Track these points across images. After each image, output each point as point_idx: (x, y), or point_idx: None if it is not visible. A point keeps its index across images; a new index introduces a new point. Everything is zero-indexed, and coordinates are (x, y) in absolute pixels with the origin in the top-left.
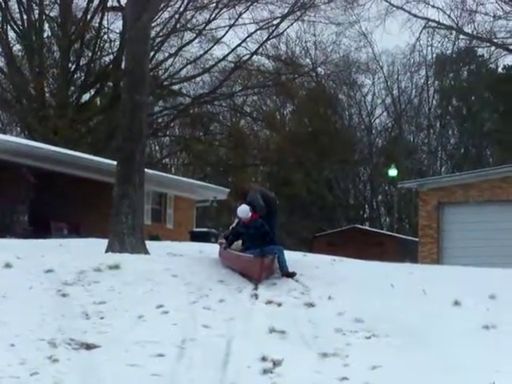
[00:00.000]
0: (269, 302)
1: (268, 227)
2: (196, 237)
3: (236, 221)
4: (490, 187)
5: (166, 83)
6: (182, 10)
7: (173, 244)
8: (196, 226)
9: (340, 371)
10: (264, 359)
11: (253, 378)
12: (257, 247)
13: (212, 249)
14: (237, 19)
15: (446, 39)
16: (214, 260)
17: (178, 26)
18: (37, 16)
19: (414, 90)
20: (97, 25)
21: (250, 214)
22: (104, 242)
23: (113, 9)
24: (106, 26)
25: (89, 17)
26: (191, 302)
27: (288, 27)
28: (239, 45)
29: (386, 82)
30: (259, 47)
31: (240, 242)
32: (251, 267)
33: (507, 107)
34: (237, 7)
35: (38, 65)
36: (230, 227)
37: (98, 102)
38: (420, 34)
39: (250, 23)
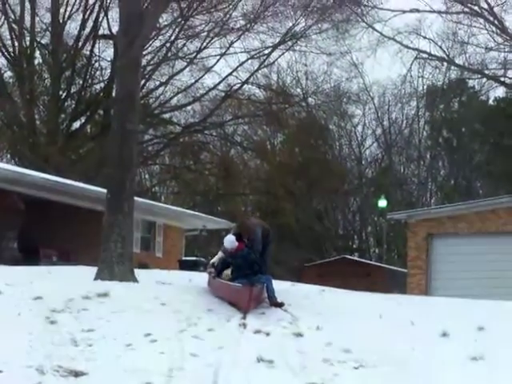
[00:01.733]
0: (257, 332)
1: (254, 256)
2: (185, 265)
3: (221, 250)
4: (479, 219)
5: (156, 112)
6: (173, 38)
7: (162, 272)
8: (185, 254)
9: None
10: None
11: None
12: (245, 277)
13: (201, 278)
14: (228, 48)
15: (437, 70)
16: (202, 289)
17: (169, 54)
18: (28, 43)
19: (404, 121)
20: (88, 52)
21: (236, 243)
22: (93, 270)
23: (104, 37)
24: (97, 53)
25: (80, 44)
26: (180, 330)
27: (279, 57)
28: (230, 74)
29: (376, 112)
30: (250, 76)
31: (229, 271)
32: (240, 297)
33: (498, 139)
34: (228, 36)
35: (29, 92)
36: (217, 256)
37: (89, 130)
38: (411, 65)
39: (241, 52)
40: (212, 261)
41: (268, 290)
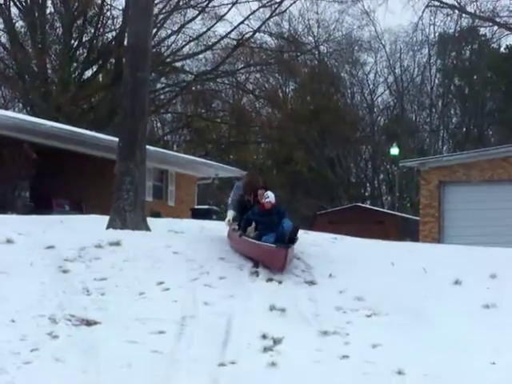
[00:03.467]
0: (269, 280)
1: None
2: (197, 214)
3: (233, 194)
4: (491, 167)
5: (168, 60)
6: None
7: (174, 221)
8: (197, 203)
9: (340, 349)
10: (264, 337)
11: (253, 356)
12: (270, 233)
13: (213, 226)
14: None
15: (449, 18)
16: (215, 237)
17: (181, 3)
18: None
19: (416, 69)
20: (99, 1)
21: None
22: (105, 219)
23: None
24: (109, 2)
25: None
26: (192, 279)
27: (291, 5)
28: (242, 22)
29: (388, 60)
30: (262, 25)
31: (253, 226)
32: (274, 258)
33: (509, 87)
34: None
35: (41, 41)
36: (229, 199)
37: (101, 79)
38: (422, 12)
39: (253, 0)
40: (228, 217)
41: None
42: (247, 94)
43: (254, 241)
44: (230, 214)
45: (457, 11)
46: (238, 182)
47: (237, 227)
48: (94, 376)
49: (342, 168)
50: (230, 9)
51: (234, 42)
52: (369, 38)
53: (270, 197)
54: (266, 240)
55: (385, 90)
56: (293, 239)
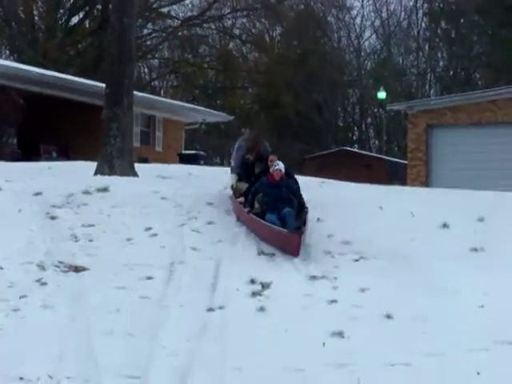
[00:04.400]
0: None
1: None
2: (185, 159)
3: (235, 155)
4: (478, 110)
5: (154, 6)
6: None
7: (162, 166)
8: (185, 148)
9: (329, 294)
10: (253, 282)
11: (241, 301)
12: (274, 209)
13: (201, 171)
14: None
15: None
16: (202, 181)
17: None
18: None
19: (402, 13)
20: None
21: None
22: (93, 165)
23: None
24: None
25: None
26: (180, 224)
27: None
28: None
29: (374, 4)
30: None
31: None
32: (287, 243)
33: (496, 30)
34: None
35: None
36: (232, 162)
37: (87, 25)
38: None
39: None
40: (232, 182)
41: (288, 224)
42: (234, 39)
43: (264, 223)
44: (234, 178)
45: None
46: (239, 143)
47: (243, 199)
48: (83, 322)
49: (330, 112)
50: None
51: None
52: None
53: (279, 165)
54: (269, 219)
55: (371, 34)
56: (304, 221)
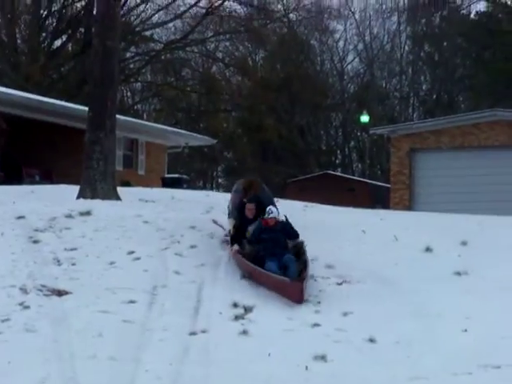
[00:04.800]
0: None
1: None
2: (168, 183)
3: (232, 200)
4: (461, 133)
5: (137, 29)
6: None
7: (144, 190)
8: (168, 172)
9: (312, 318)
10: (235, 305)
11: (224, 324)
12: (273, 256)
13: (183, 195)
14: None
15: None
16: (185, 205)
17: None
18: None
19: (386, 36)
20: None
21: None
22: (76, 189)
23: None
24: None
25: None
26: (163, 248)
27: None
28: None
29: (358, 27)
30: None
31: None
32: (290, 291)
33: (479, 53)
34: None
35: (10, 11)
36: (229, 206)
37: (70, 49)
38: None
39: None
40: (230, 227)
41: (290, 270)
42: (217, 62)
43: (264, 271)
44: (231, 223)
45: None
46: (236, 186)
47: (237, 247)
48: (66, 345)
49: (312, 136)
50: None
51: (204, 11)
52: (338, 6)
53: (273, 212)
54: (269, 268)
55: (355, 58)
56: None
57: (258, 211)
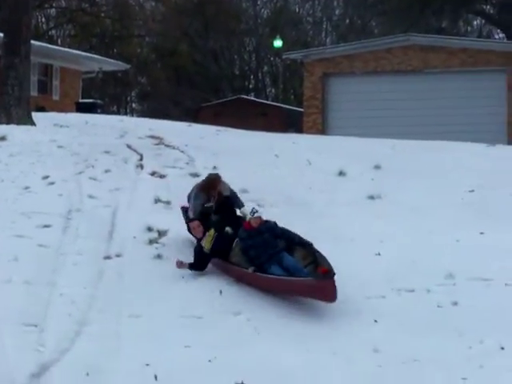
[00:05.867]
0: (154, 173)
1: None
2: (82, 108)
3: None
4: (374, 58)
5: None
6: None
7: (59, 115)
8: (82, 97)
9: None
10: (149, 229)
11: (138, 248)
12: (270, 260)
13: (97, 120)
14: None
15: None
16: (99, 129)
17: None
18: None
19: None
20: None
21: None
22: None
23: None
24: None
25: None
26: (77, 172)
27: None
28: None
29: None
30: None
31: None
32: (320, 291)
33: None
34: None
35: None
36: (190, 214)
37: None
38: None
39: None
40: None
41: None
42: None
43: (281, 277)
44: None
45: None
46: (194, 192)
47: (253, 268)
48: None
49: (226, 61)
50: None
51: None
52: None
53: (258, 212)
54: (275, 273)
55: None
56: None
57: (226, 209)
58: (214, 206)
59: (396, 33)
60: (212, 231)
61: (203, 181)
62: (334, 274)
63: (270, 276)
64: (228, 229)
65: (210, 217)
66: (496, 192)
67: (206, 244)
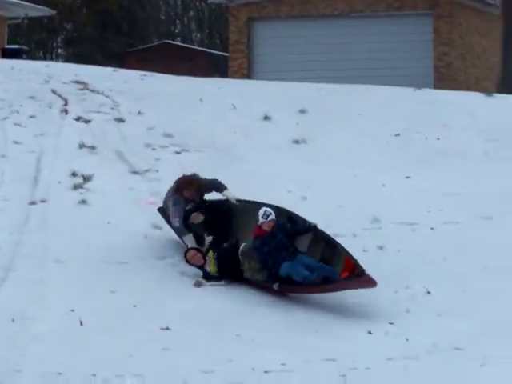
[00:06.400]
0: (79, 118)
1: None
2: (7, 54)
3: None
4: (300, 2)
5: None
6: None
7: None
8: (8, 43)
9: (151, 186)
10: (74, 174)
11: (63, 193)
12: (289, 259)
13: (23, 65)
14: None
15: None
16: (24, 75)
17: None
18: None
19: None
20: None
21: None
22: None
23: None
24: None
25: None
26: (1, 118)
27: None
28: None
29: None
30: None
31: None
32: (362, 283)
33: None
34: None
35: None
36: (176, 222)
37: None
38: None
39: None
40: (191, 245)
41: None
42: None
43: (326, 285)
44: (190, 239)
45: None
46: (173, 199)
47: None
48: None
49: (152, 5)
50: None
51: None
52: None
53: (272, 214)
54: (303, 274)
55: None
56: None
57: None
58: (202, 219)
59: None
60: (211, 253)
61: (179, 182)
62: (364, 270)
63: (313, 287)
64: (225, 244)
65: (203, 237)
66: (422, 136)
67: (212, 268)
